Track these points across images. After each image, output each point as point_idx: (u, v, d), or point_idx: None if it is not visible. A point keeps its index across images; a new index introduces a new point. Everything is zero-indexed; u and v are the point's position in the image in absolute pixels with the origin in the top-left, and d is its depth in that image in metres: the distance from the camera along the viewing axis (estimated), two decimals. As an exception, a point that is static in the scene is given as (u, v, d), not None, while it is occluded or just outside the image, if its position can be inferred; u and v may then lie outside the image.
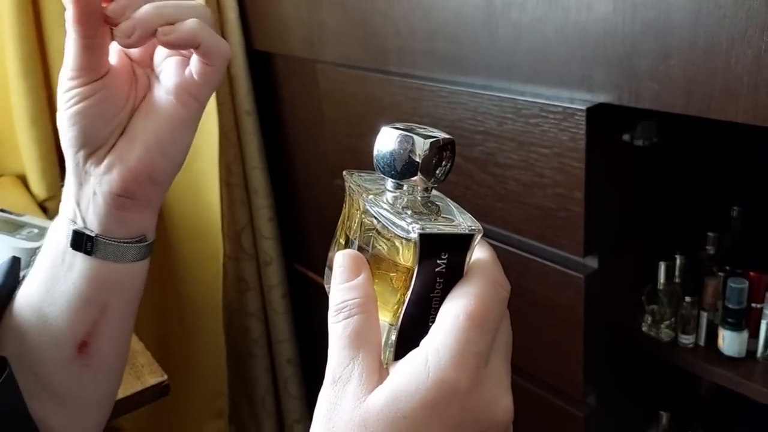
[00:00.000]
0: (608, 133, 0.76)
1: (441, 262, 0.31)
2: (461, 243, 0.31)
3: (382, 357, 0.31)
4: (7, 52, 1.15)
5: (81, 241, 0.44)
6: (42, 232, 0.92)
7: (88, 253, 0.44)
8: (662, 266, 0.85)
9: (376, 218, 0.32)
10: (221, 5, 1.27)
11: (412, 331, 0.31)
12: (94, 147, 0.44)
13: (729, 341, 0.82)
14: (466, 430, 0.29)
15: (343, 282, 0.32)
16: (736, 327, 0.81)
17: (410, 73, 0.95)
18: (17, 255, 0.88)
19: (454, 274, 0.31)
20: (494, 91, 0.81)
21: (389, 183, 0.33)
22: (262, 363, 1.54)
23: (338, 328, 0.31)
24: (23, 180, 1.28)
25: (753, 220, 0.91)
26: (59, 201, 1.40)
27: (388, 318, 0.33)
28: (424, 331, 0.31)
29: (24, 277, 0.48)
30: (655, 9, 0.64)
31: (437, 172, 0.32)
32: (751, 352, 0.82)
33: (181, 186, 1.31)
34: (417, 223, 0.30)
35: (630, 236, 0.85)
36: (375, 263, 0.33)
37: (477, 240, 0.31)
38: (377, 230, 0.33)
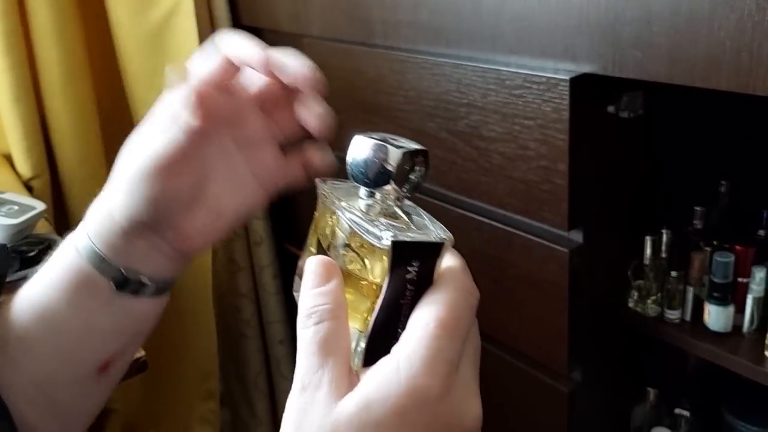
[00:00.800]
0: (593, 105, 0.74)
1: (412, 270, 0.31)
2: (432, 251, 0.31)
3: (351, 364, 0.31)
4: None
5: (128, 284, 0.43)
6: (22, 209, 0.91)
7: (133, 293, 0.44)
8: (648, 241, 0.84)
9: (348, 226, 0.33)
10: (207, -20, 1.25)
11: (381, 337, 0.32)
12: (168, 218, 0.42)
13: (715, 316, 0.81)
14: None
15: (313, 287, 0.32)
16: (722, 302, 0.80)
17: (395, 45, 0.93)
18: (-5, 231, 0.87)
19: (424, 282, 0.32)
20: (478, 62, 0.80)
21: (362, 191, 0.34)
22: (254, 344, 1.54)
23: (308, 334, 0.31)
24: (9, 159, 1.26)
25: (741, 194, 0.89)
26: (45, 180, 1.36)
27: (357, 325, 0.33)
28: (393, 337, 0.31)
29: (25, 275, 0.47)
30: (638, -26, 0.63)
31: (410, 181, 0.33)
32: (737, 326, 0.81)
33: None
34: (389, 231, 0.31)
35: (615, 210, 0.84)
36: (346, 271, 0.33)
37: (447, 249, 0.32)
38: (349, 237, 0.33)
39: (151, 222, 0.42)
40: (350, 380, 0.30)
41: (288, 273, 1.51)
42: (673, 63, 0.63)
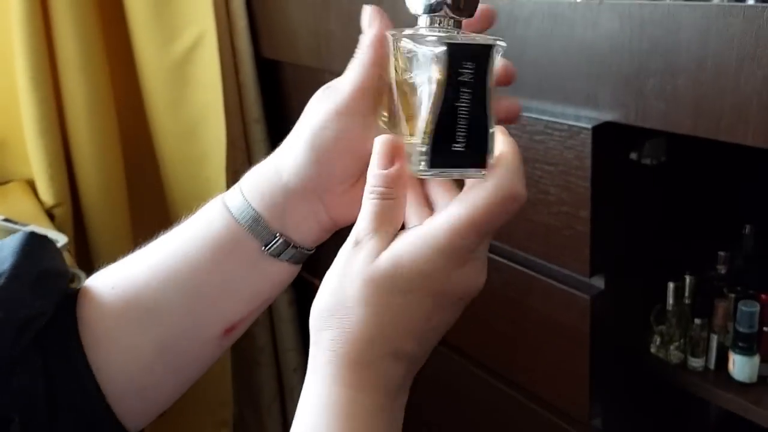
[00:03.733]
0: (615, 152, 0.74)
1: (465, 72, 0.35)
2: (483, 53, 0.35)
3: (413, 168, 0.37)
4: (17, 61, 1.15)
5: (281, 249, 0.44)
6: (45, 243, 0.92)
7: (277, 256, 0.44)
8: (671, 287, 0.83)
9: (411, 46, 0.36)
10: (230, 13, 1.27)
11: (442, 140, 0.36)
12: (332, 181, 0.43)
13: (740, 366, 0.79)
14: (449, 296, 0.36)
15: (377, 167, 0.38)
16: (747, 351, 0.79)
17: (416, 85, 0.93)
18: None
19: (478, 86, 0.35)
20: (499, 107, 0.80)
21: (420, 19, 0.38)
22: (268, 371, 1.53)
23: (368, 205, 0.37)
24: (32, 185, 1.28)
25: (765, 238, 0.88)
26: (67, 208, 1.37)
27: (416, 135, 0.36)
28: (453, 140, 0.36)
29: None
30: (662, 27, 0.62)
31: (459, 3, 0.37)
32: (762, 377, 0.80)
33: (188, 194, 1.31)
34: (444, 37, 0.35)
35: (638, 256, 0.83)
36: (406, 87, 0.38)
37: (498, 52, 0.36)
38: (412, 58, 0.37)
39: (318, 178, 0.42)
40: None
41: (304, 301, 1.51)
42: (698, 116, 0.62)
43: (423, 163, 0.36)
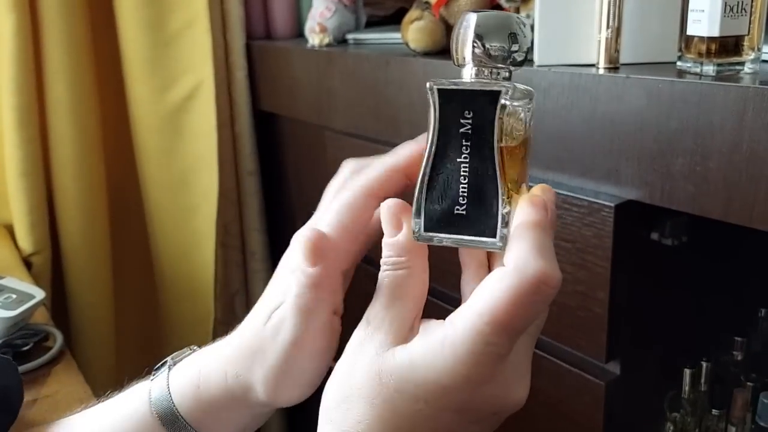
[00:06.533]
0: (635, 231, 0.70)
1: (465, 122, 0.29)
2: (486, 100, 0.29)
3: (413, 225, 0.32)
4: (3, 100, 1.11)
5: None
6: (20, 298, 0.85)
7: None
8: (687, 374, 0.78)
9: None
10: (230, 64, 1.24)
11: (440, 198, 0.31)
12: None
13: (760, 461, 0.74)
14: (477, 412, 0.31)
15: (385, 236, 0.34)
16: (768, 446, 0.74)
17: (423, 148, 0.90)
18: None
19: (482, 138, 0.30)
20: (513, 177, 0.76)
21: (465, 71, 0.33)
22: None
23: (381, 279, 0.34)
24: (10, 230, 1.22)
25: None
26: (46, 256, 1.29)
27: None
28: (453, 198, 0.30)
29: None
30: (694, 107, 0.60)
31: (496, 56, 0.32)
32: (784, 474, 0.75)
33: (176, 244, 1.26)
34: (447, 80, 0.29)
35: (655, 339, 0.78)
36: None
37: (507, 99, 0.29)
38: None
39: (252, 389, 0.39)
40: (410, 330, 0.32)
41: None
42: (730, 201, 0.59)
43: (418, 226, 0.32)
